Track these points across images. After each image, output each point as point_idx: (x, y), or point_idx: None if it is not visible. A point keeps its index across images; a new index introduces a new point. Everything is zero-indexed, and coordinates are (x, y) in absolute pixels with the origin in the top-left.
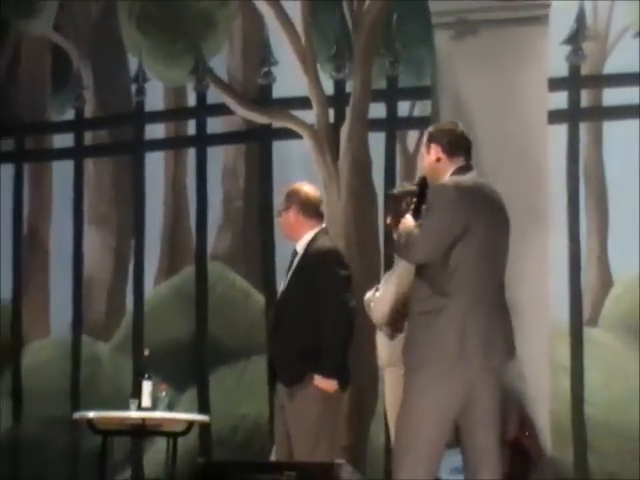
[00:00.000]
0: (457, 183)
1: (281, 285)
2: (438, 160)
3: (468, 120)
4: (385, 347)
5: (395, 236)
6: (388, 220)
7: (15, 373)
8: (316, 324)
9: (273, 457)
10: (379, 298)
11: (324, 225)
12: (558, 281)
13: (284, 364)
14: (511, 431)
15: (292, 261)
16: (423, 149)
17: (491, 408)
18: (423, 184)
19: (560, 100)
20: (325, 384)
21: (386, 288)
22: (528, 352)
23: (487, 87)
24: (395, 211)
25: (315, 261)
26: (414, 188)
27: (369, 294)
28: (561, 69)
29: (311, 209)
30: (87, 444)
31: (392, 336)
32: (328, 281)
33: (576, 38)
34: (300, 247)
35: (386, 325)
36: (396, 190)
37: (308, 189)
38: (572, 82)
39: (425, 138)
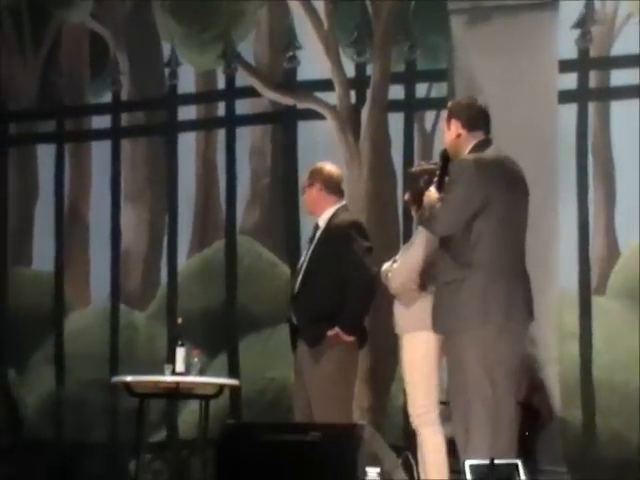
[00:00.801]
0: (477, 159)
1: (303, 255)
2: (458, 136)
3: (482, 101)
4: (402, 315)
5: (413, 212)
6: (406, 197)
7: (58, 339)
8: (338, 290)
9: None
10: (397, 269)
11: (344, 202)
12: (567, 252)
13: (308, 325)
14: (523, 392)
15: (314, 234)
16: (444, 125)
17: (509, 373)
18: (446, 157)
19: (570, 81)
20: (344, 336)
21: (405, 258)
22: (538, 318)
23: (500, 69)
24: (413, 188)
25: (339, 232)
26: (432, 167)
27: (386, 265)
28: (570, 52)
29: (333, 186)
30: (125, 405)
31: (409, 304)
32: (353, 249)
33: (585, 22)
34: (322, 221)
35: (404, 293)
36: (414, 169)
37: (330, 167)
38: (581, 64)
39: (445, 114)
